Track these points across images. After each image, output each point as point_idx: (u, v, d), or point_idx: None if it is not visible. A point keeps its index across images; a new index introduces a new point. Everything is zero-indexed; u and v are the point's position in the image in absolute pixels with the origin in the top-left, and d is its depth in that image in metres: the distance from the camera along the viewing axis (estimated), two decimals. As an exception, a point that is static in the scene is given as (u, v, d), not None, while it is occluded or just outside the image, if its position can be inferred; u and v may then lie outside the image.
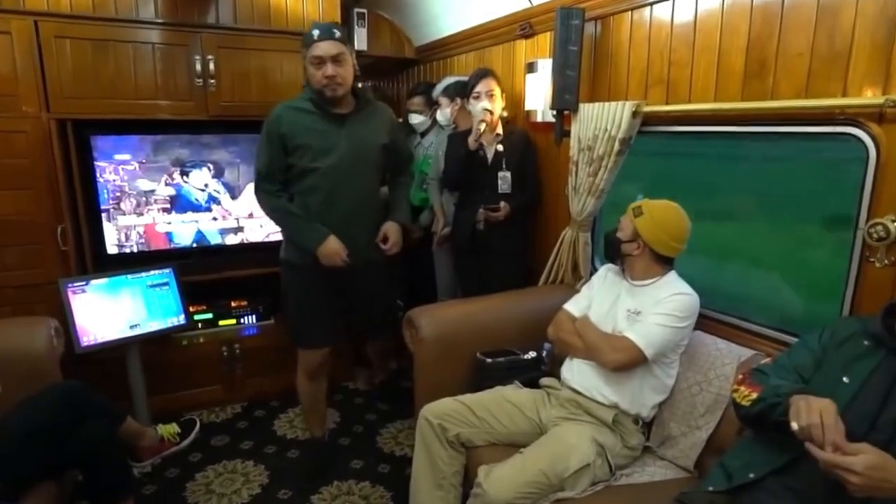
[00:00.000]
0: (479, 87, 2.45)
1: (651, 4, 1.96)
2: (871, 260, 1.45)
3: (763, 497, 1.23)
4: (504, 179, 2.47)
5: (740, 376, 1.42)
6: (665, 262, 1.79)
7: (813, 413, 1.09)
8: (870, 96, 1.40)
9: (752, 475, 1.27)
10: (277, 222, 2.12)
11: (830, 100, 1.48)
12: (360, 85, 2.07)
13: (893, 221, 1.39)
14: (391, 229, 2.14)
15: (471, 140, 2.40)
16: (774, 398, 1.23)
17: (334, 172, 1.99)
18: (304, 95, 2.02)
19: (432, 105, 2.97)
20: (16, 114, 2.21)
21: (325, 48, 1.90)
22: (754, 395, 1.29)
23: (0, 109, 2.19)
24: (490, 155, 2.51)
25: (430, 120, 3.02)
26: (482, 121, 2.38)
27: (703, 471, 1.64)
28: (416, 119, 3.04)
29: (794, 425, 1.11)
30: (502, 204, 2.41)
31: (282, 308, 2.42)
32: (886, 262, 1.42)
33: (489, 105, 2.42)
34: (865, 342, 1.26)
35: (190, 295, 2.58)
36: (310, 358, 2.22)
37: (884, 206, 1.41)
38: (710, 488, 1.33)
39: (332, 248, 1.99)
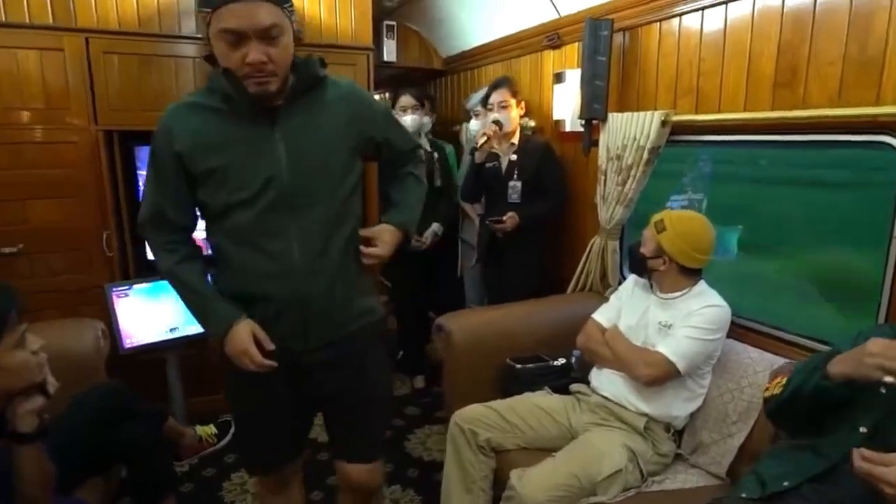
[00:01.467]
0: (492, 99, 2.51)
1: (680, 15, 1.98)
2: (907, 268, 1.45)
3: (798, 504, 1.24)
4: (514, 189, 2.50)
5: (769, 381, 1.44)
6: (693, 274, 1.79)
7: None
8: (904, 105, 1.41)
9: (786, 483, 1.27)
10: (173, 288, 1.35)
11: (863, 108, 1.48)
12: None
13: (929, 230, 1.39)
14: (382, 232, 1.42)
15: (477, 155, 2.48)
16: (808, 371, 1.25)
17: (271, 204, 1.24)
18: (211, 84, 1.25)
19: (424, 105, 2.87)
20: (66, 126, 2.33)
21: (245, 16, 1.11)
22: (784, 381, 1.31)
23: (52, 122, 2.30)
24: (504, 165, 2.55)
25: (420, 120, 2.85)
26: (484, 133, 2.43)
27: (734, 478, 1.64)
28: (405, 119, 2.77)
29: (889, 378, 1.09)
30: (508, 215, 2.43)
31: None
32: (922, 270, 1.42)
33: (499, 116, 2.47)
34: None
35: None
36: (268, 481, 1.55)
37: (919, 215, 1.41)
38: (744, 495, 1.33)
39: (236, 344, 1.24)
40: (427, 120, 2.96)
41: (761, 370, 1.70)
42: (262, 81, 1.17)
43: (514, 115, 2.51)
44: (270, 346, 1.26)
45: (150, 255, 2.61)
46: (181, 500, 2.17)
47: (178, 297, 1.34)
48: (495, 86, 2.52)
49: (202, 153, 1.24)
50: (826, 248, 2.02)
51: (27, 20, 2.21)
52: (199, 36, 2.51)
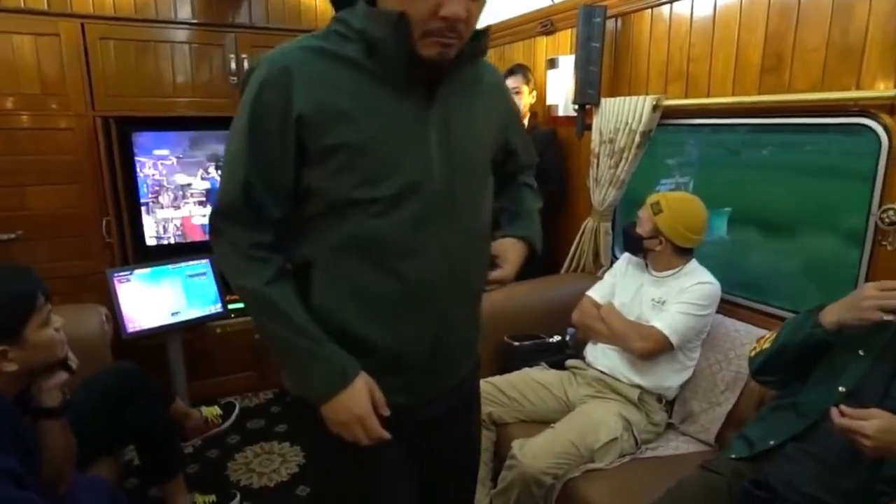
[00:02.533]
0: (507, 84, 2.56)
1: (671, 2, 2.04)
2: (884, 244, 1.54)
3: (783, 462, 1.33)
4: None
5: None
6: (686, 253, 1.87)
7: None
8: (882, 89, 1.49)
9: (772, 442, 1.36)
10: (253, 318, 0.96)
11: (845, 93, 1.56)
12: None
13: (905, 206, 1.48)
14: (507, 249, 1.12)
15: None
16: (796, 324, 1.36)
17: (416, 210, 0.92)
18: (344, 28, 0.90)
19: None
20: (63, 112, 2.33)
21: None
22: (772, 337, 1.42)
23: (49, 108, 2.32)
24: None
25: None
26: None
27: (722, 444, 1.73)
28: None
29: (889, 316, 1.21)
30: None
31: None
32: (898, 244, 1.51)
33: None
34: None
35: (226, 285, 2.69)
36: None
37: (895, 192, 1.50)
38: (733, 456, 1.42)
39: (353, 408, 0.93)
40: None
41: (747, 342, 1.78)
42: (449, 43, 0.86)
43: (525, 102, 2.56)
44: (386, 412, 0.95)
45: (149, 241, 2.68)
46: (187, 482, 2.22)
47: (261, 328, 0.95)
48: (510, 72, 2.57)
49: (331, 120, 0.88)
50: (803, 225, 2.13)
51: (22, 4, 2.21)
52: (195, 21, 2.52)
